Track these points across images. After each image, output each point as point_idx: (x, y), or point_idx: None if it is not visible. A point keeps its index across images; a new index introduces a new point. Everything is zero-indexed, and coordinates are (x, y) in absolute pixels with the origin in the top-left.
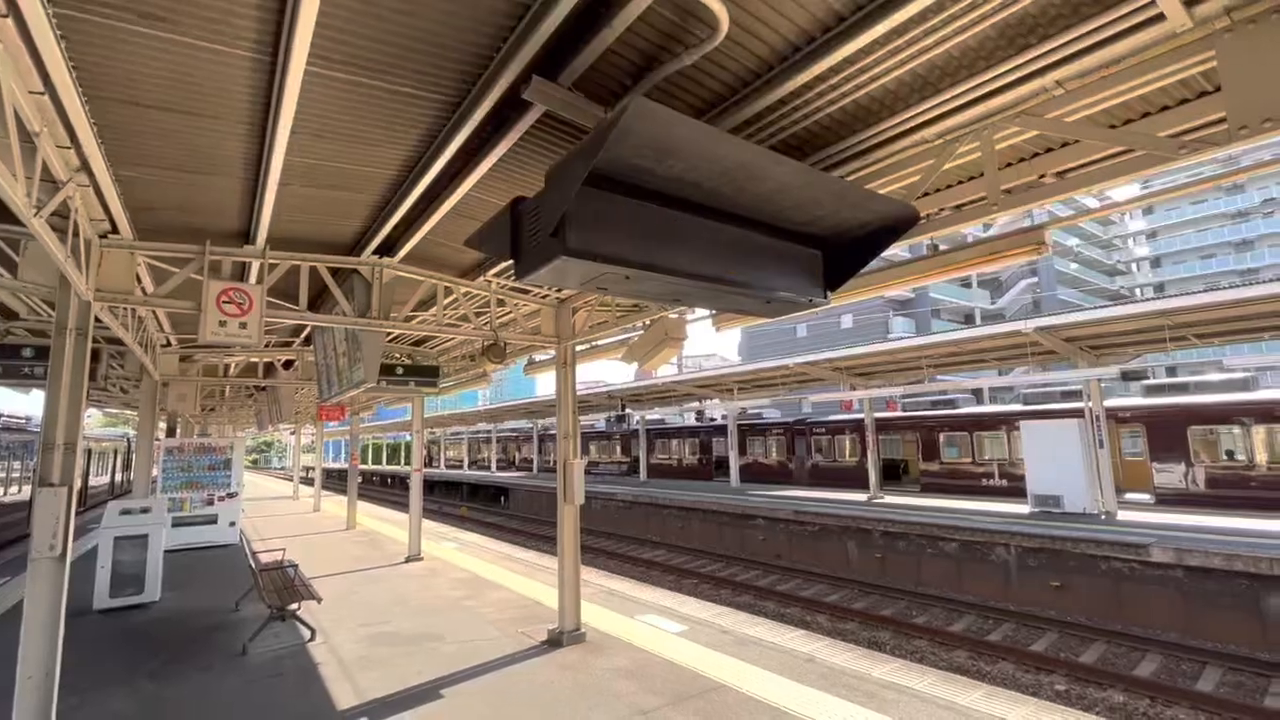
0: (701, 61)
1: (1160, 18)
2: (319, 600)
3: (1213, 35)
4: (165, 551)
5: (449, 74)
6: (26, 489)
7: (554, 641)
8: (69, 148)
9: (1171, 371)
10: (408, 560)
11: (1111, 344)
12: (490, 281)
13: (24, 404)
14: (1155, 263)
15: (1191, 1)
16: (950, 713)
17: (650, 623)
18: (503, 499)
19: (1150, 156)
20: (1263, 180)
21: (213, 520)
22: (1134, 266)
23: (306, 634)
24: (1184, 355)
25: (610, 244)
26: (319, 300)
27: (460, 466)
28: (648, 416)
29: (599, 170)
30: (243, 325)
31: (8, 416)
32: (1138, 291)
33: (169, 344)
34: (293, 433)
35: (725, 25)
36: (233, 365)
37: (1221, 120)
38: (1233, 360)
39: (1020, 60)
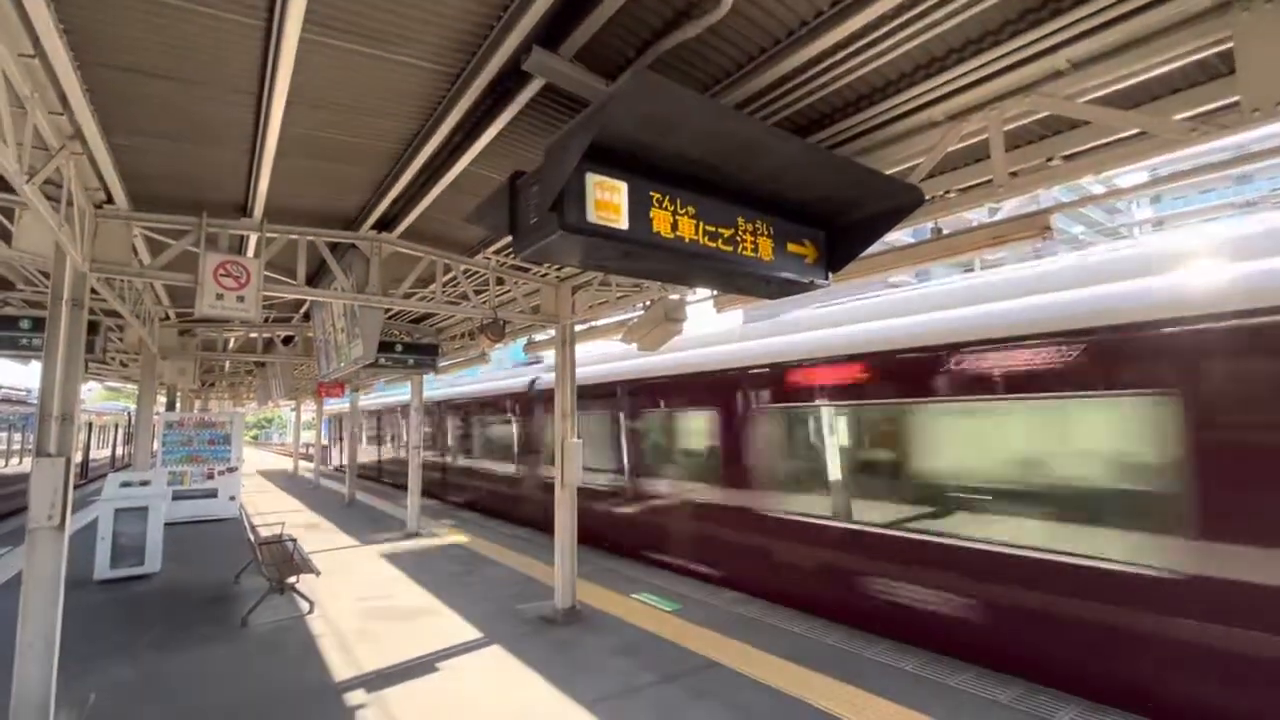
0: (706, 34)
1: None
2: (317, 574)
3: (1230, 14)
4: (165, 524)
5: (448, 43)
6: (28, 461)
7: (550, 618)
8: (61, 114)
9: None
10: (406, 536)
11: None
12: (490, 259)
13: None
14: None
15: None
16: (941, 693)
17: (645, 600)
18: None
19: (1161, 140)
20: (1271, 170)
21: (213, 494)
22: None
23: (305, 607)
24: None
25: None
26: (318, 275)
27: None
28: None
29: (600, 145)
30: (240, 299)
31: (8, 389)
32: None
33: (168, 317)
34: (293, 409)
35: None
36: (232, 340)
37: (1235, 104)
38: None
39: (1032, 37)
